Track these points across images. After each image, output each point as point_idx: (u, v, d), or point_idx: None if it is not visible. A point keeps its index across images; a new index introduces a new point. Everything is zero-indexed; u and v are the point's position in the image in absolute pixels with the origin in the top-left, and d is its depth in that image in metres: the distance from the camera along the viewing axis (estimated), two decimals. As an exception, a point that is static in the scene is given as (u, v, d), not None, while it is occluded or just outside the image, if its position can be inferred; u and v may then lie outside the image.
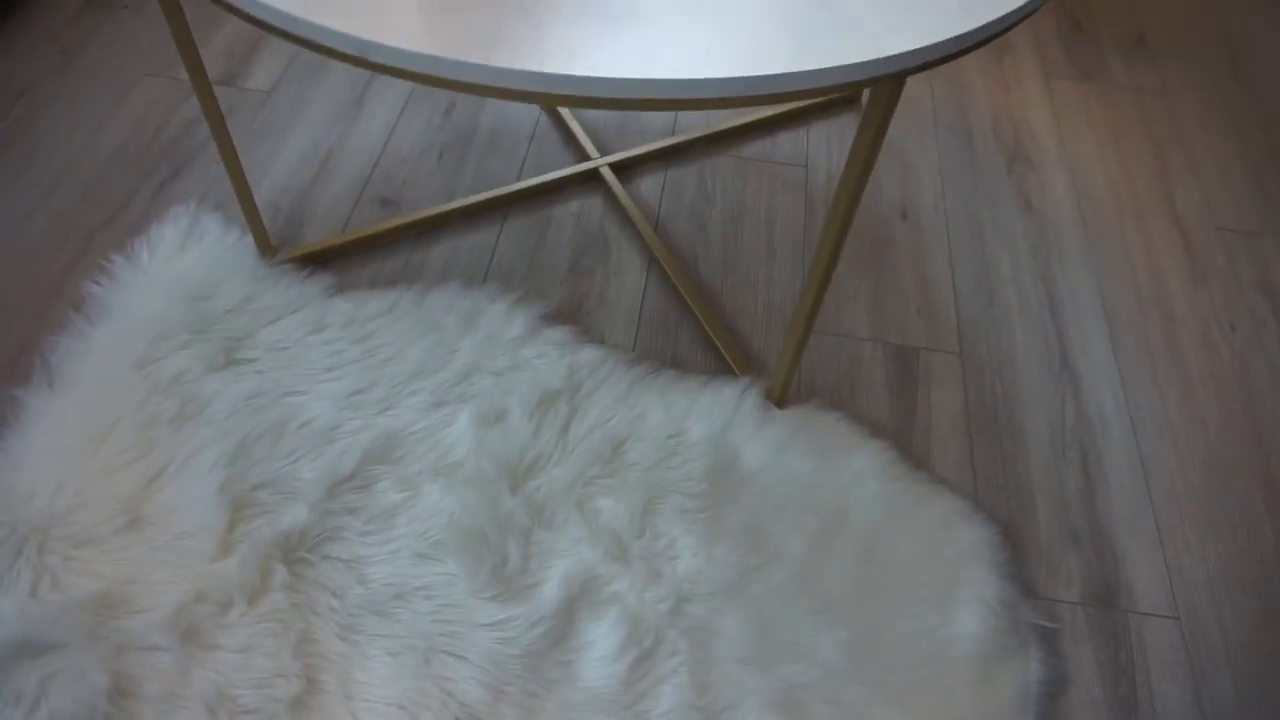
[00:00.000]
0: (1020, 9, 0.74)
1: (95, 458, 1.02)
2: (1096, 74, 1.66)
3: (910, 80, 1.61)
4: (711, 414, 1.09)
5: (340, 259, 1.26)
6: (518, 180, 1.38)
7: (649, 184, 1.40)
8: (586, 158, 1.40)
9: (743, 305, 1.26)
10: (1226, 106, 1.62)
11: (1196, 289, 1.34)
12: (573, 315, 1.22)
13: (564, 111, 1.46)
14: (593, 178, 1.39)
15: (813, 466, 1.06)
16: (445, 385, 1.10)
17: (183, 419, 1.05)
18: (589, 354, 1.14)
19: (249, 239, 1.22)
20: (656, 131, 1.47)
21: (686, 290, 1.24)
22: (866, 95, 1.40)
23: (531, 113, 1.48)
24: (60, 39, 1.52)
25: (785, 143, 1.47)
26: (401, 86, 1.50)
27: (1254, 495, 1.12)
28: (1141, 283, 1.34)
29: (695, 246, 1.32)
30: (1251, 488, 1.13)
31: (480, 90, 0.66)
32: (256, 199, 1.32)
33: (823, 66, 0.67)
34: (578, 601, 0.94)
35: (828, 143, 1.48)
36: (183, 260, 1.19)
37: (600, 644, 0.91)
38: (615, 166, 1.39)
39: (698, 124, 1.49)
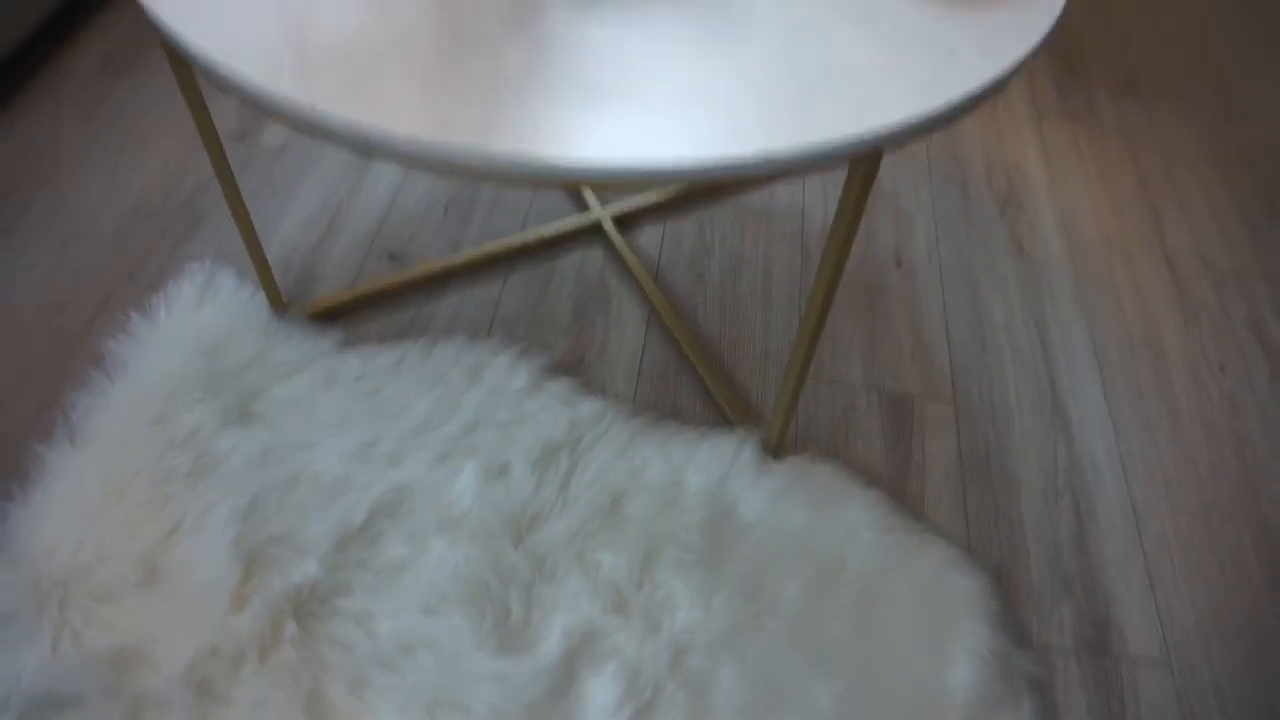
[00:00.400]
0: (1002, 77, 0.78)
1: (114, 513, 1.06)
2: (1087, 115, 1.69)
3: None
4: (709, 466, 1.12)
5: (349, 313, 1.30)
6: (521, 233, 1.42)
7: (649, 235, 1.43)
8: (587, 209, 1.44)
9: (741, 353, 1.29)
10: (1215, 146, 1.65)
11: (1186, 330, 1.36)
12: (575, 366, 1.26)
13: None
14: (594, 229, 1.43)
15: (809, 517, 1.09)
16: (450, 438, 1.14)
17: (198, 474, 1.09)
18: (590, 406, 1.17)
19: (262, 295, 1.27)
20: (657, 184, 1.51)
21: (685, 341, 1.28)
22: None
23: (534, 164, 1.52)
24: (81, 99, 1.58)
25: (782, 193, 1.51)
26: (409, 140, 1.55)
27: (1245, 539, 1.14)
28: (1132, 324, 1.37)
29: (694, 296, 1.36)
30: (1243, 531, 1.15)
31: (478, 175, 0.70)
32: (268, 255, 1.36)
33: (802, 147, 0.70)
34: (578, 654, 0.96)
35: (823, 192, 1.52)
36: (198, 317, 1.23)
37: (600, 696, 0.93)
38: (616, 218, 1.43)
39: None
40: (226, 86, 0.74)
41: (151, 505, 1.07)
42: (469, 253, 1.36)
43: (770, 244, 1.43)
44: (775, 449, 1.15)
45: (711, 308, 1.35)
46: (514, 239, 1.38)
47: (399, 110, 0.70)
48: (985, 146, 1.62)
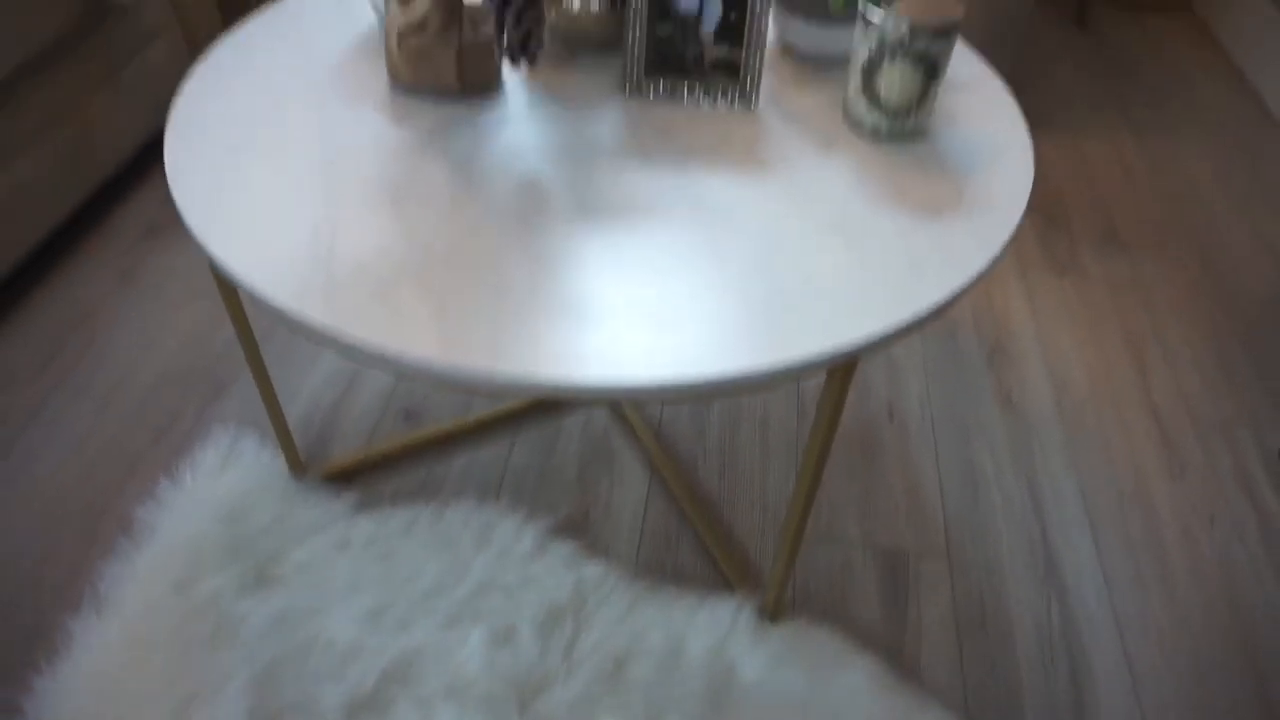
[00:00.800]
0: (971, 281, 0.85)
1: (136, 683, 1.09)
2: (1071, 268, 1.77)
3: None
4: (709, 631, 1.15)
5: (365, 474, 1.36)
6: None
7: (652, 390, 1.50)
8: (594, 366, 1.52)
9: (740, 510, 1.34)
10: (1196, 296, 1.72)
11: (1175, 483, 1.40)
12: (580, 526, 1.30)
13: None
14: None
15: (807, 682, 1.11)
16: (459, 602, 1.18)
17: (217, 642, 1.13)
18: (593, 570, 1.21)
19: (281, 458, 1.33)
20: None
21: (685, 500, 1.33)
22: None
23: (543, 322, 1.61)
24: (120, 264, 1.69)
25: (778, 347, 1.58)
26: (425, 300, 1.64)
27: (1241, 700, 1.15)
28: (1121, 478, 1.41)
29: (695, 451, 1.41)
30: (1238, 689, 1.16)
31: (486, 392, 0.77)
32: (291, 413, 1.44)
33: (782, 363, 0.77)
34: (580, 832, 0.98)
35: (818, 344, 1.59)
36: (221, 482, 1.30)
37: None
38: (620, 374, 1.50)
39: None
40: (260, 306, 0.82)
41: (171, 675, 1.11)
42: (479, 413, 1.43)
43: (767, 398, 1.49)
44: (773, 612, 1.18)
45: (711, 462, 1.40)
46: (523, 399, 1.45)
47: (415, 331, 0.78)
48: (973, 296, 1.70)
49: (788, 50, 1.17)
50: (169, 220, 1.79)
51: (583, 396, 0.76)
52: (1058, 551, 1.31)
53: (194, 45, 1.90)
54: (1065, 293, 1.72)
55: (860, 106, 1.01)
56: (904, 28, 0.92)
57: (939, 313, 0.84)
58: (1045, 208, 1.92)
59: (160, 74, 1.80)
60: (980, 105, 1.09)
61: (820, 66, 1.15)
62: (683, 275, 0.84)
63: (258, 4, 2.04)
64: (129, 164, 1.91)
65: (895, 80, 0.96)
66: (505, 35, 0.90)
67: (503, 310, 0.80)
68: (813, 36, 1.12)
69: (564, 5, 1.10)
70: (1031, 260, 1.79)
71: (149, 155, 1.93)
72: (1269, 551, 1.31)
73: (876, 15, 0.94)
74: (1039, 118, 2.19)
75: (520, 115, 1.03)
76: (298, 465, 1.33)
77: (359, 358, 0.78)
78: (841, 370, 0.88)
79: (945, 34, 0.93)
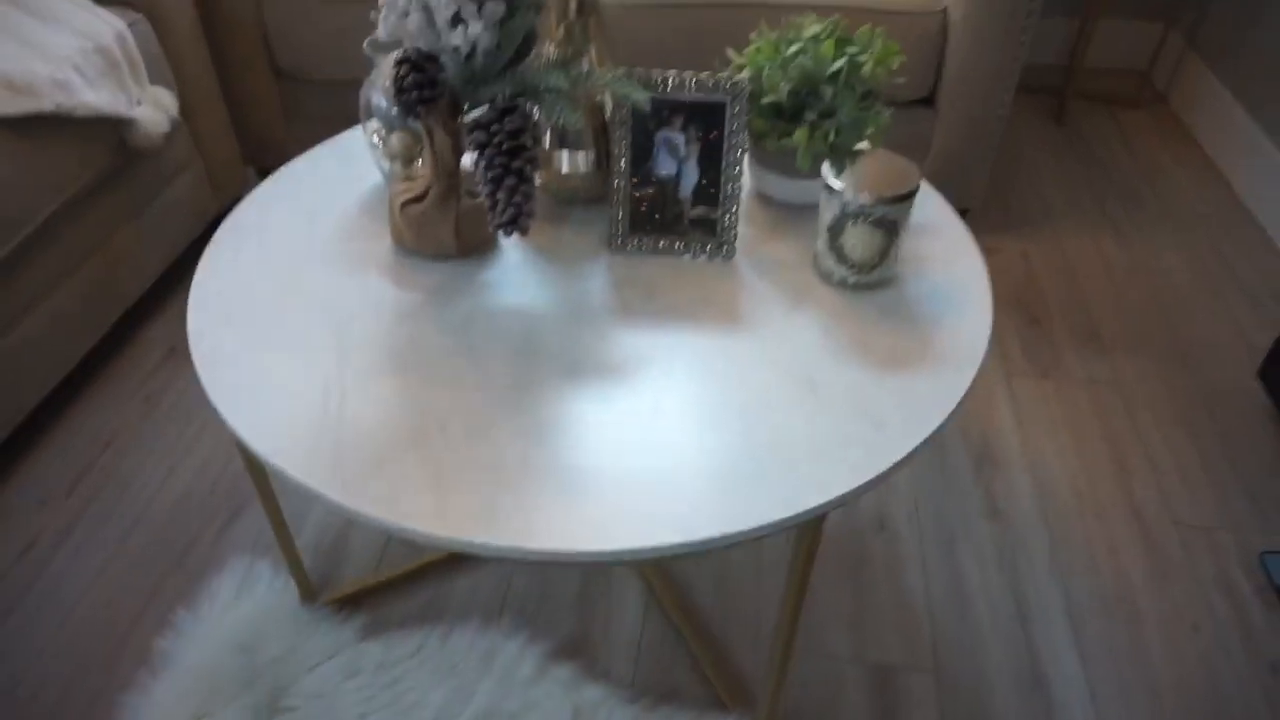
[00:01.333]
0: (924, 442, 0.91)
1: (151, 815, 1.14)
2: (1054, 370, 1.83)
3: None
4: (702, 756, 1.19)
5: (373, 597, 1.41)
6: (532, 507, 1.55)
7: (649, 504, 1.56)
8: (593, 481, 1.58)
9: (734, 625, 1.38)
10: (1177, 395, 1.77)
11: (1158, 589, 1.44)
12: (580, 646, 1.35)
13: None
14: (598, 501, 1.56)
15: (798, 806, 1.15)
16: (463, 728, 1.22)
17: (230, 774, 1.18)
18: (592, 692, 1.26)
19: (293, 585, 1.39)
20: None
21: (680, 618, 1.37)
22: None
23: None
24: (143, 388, 1.78)
25: (770, 459, 1.64)
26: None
27: (1228, 816, 1.18)
28: (1105, 585, 1.45)
29: (689, 568, 1.46)
30: (1225, 807, 1.18)
31: (480, 553, 0.83)
32: (302, 538, 1.50)
33: (755, 526, 0.83)
34: None
35: (809, 454, 1.65)
36: (236, 611, 1.36)
37: None
38: (618, 489, 1.56)
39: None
40: (272, 472, 0.89)
41: (186, 804, 1.15)
42: (483, 532, 1.49)
43: (761, 510, 1.55)
44: (766, 733, 1.22)
45: (706, 577, 1.45)
46: (525, 515, 1.51)
47: (414, 502, 0.84)
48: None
49: (764, 197, 1.26)
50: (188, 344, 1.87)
51: (578, 561, 0.82)
52: (1044, 663, 1.34)
53: (215, 176, 2.02)
54: (1048, 396, 1.78)
55: (829, 261, 1.08)
56: (863, 197, 1.01)
57: (900, 467, 0.90)
58: (1028, 308, 1.99)
59: (183, 205, 1.91)
60: (944, 249, 1.17)
61: (794, 211, 1.23)
62: (669, 438, 0.91)
63: (274, 136, 2.16)
64: (151, 289, 2.01)
65: (858, 240, 1.04)
66: (497, 213, 0.99)
67: (498, 483, 0.87)
68: (785, 188, 1.21)
69: (554, 166, 1.20)
70: (1015, 363, 1.85)
71: (169, 279, 2.04)
72: (1251, 661, 1.34)
73: (837, 184, 1.03)
74: (1021, 217, 2.27)
75: (514, 274, 1.12)
76: (308, 591, 1.39)
77: (364, 524, 0.84)
78: (810, 530, 0.95)
79: (903, 200, 1.01)
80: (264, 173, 2.30)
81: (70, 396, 1.76)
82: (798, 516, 0.85)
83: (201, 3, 1.95)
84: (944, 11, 1.90)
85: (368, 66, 1.21)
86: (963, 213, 2.18)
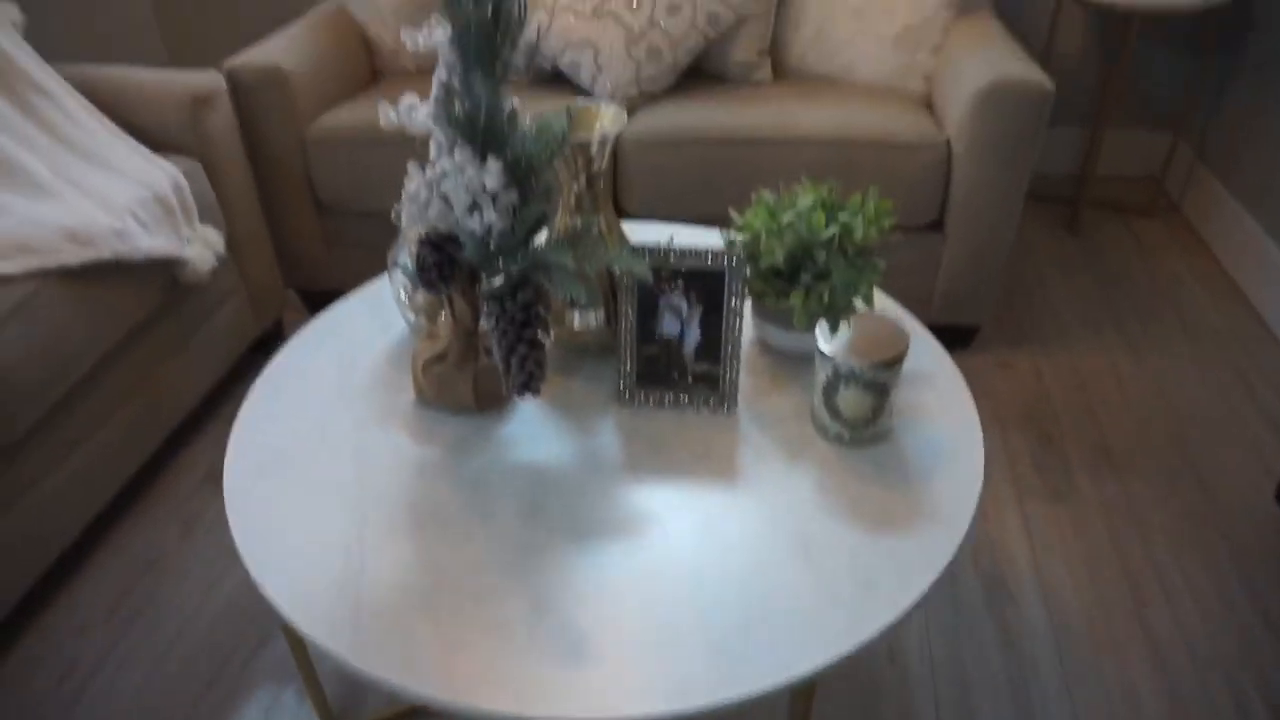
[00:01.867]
0: (914, 605, 0.95)
1: None
2: (1068, 494, 1.85)
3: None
4: None
5: (393, 727, 1.45)
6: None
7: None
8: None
9: (746, 762, 1.39)
10: (1193, 521, 1.77)
11: (1177, 728, 1.43)
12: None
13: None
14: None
15: None
16: None
17: None
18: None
19: (317, 716, 1.44)
20: None
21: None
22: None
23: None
24: (183, 511, 1.86)
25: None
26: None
27: None
28: (1122, 722, 1.44)
29: (703, 698, 1.48)
30: None
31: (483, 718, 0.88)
32: (321, 670, 1.55)
33: (749, 693, 0.87)
34: None
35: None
36: (261, 742, 1.40)
37: None
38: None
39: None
40: (298, 633, 0.95)
41: None
42: (501, 662, 1.53)
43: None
44: None
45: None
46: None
47: (424, 666, 0.90)
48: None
49: (765, 344, 1.32)
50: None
51: (569, 729, 0.86)
52: (1059, 807, 1.33)
53: (257, 302, 2.14)
54: (1061, 522, 1.79)
55: (824, 417, 1.14)
56: (854, 361, 1.07)
57: (890, 632, 0.94)
58: (1041, 428, 2.01)
59: (226, 332, 2.02)
60: (939, 401, 1.22)
61: (794, 360, 1.29)
62: (658, 602, 0.95)
63: (315, 260, 2.29)
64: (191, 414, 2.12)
65: (851, 400, 1.10)
66: (511, 377, 1.06)
67: (501, 648, 0.92)
68: (785, 339, 1.28)
69: (568, 323, 1.28)
70: (1028, 486, 1.87)
71: (208, 401, 2.14)
72: (1274, 805, 1.32)
73: (828, 348, 1.09)
74: (1034, 334, 2.32)
75: (527, 428, 1.19)
76: (331, 721, 1.44)
77: (377, 688, 0.90)
78: (803, 694, 0.98)
79: (891, 365, 1.07)
80: (304, 294, 2.43)
81: (112, 518, 1.85)
82: (788, 683, 0.88)
83: (250, 147, 2.10)
84: (947, 143, 1.99)
85: (396, 224, 1.31)
86: (974, 330, 2.23)
